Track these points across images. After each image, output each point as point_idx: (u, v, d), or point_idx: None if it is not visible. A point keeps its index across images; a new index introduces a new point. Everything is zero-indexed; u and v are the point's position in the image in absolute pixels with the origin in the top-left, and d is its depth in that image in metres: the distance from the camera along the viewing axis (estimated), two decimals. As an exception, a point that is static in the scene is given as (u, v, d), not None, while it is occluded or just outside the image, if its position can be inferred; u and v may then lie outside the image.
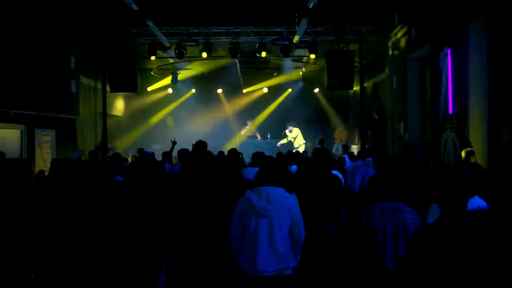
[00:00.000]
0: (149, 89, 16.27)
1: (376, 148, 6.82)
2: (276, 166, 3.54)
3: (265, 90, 17.17)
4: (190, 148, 6.03)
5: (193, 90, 17.03)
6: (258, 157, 6.24)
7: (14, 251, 2.88)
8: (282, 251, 3.29)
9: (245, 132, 15.70)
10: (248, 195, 3.41)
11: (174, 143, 7.86)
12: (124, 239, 3.11)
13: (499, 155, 6.39)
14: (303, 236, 3.39)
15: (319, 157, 5.13)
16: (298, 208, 3.40)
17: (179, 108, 16.85)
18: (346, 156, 8.38)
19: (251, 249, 3.30)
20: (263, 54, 11.79)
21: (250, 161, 7.40)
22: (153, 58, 12.00)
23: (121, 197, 3.47)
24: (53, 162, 4.15)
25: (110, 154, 9.85)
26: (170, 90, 16.69)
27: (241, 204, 3.41)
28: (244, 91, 17.23)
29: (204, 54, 11.83)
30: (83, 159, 8.36)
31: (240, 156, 7.56)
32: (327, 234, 4.16)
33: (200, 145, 5.70)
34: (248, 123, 15.82)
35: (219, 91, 17.22)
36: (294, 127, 14.04)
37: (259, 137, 15.42)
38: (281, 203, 3.32)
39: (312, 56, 11.76)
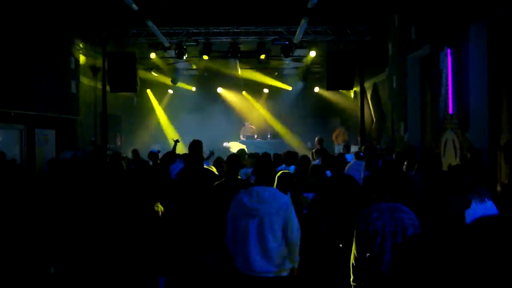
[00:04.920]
0: None
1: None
2: (269, 165, 3.51)
3: (266, 90, 17.12)
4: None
5: (193, 89, 16.98)
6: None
7: (34, 246, 2.89)
8: (274, 251, 3.22)
9: (246, 132, 15.60)
10: (240, 195, 3.37)
11: (176, 141, 7.88)
12: (124, 239, 3.11)
13: (499, 155, 6.39)
14: (298, 237, 3.31)
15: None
16: (292, 208, 3.33)
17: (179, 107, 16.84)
18: (348, 156, 8.35)
19: (243, 249, 3.27)
20: (262, 56, 11.81)
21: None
22: (153, 56, 12.20)
23: (122, 197, 3.47)
24: (50, 162, 4.16)
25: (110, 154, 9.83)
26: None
27: (234, 204, 3.39)
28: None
29: (205, 57, 11.90)
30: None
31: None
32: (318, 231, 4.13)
33: (196, 145, 5.62)
34: (246, 124, 15.74)
35: (219, 90, 17.19)
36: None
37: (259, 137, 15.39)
38: (272, 203, 3.26)
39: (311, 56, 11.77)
